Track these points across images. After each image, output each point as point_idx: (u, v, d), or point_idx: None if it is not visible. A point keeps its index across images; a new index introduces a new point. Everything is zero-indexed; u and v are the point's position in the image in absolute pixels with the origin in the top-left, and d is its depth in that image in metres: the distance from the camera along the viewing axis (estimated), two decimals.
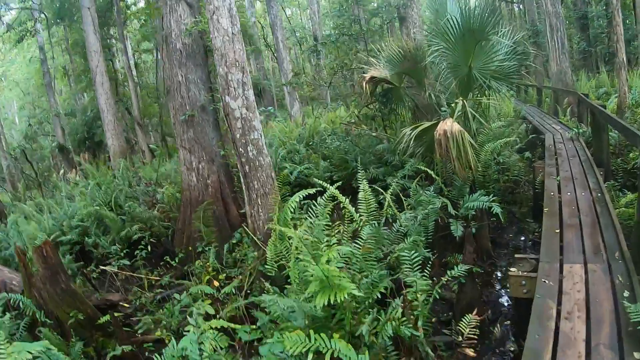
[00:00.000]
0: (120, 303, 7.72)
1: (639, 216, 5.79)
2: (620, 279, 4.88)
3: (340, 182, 7.93)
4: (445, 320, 6.90)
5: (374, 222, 7.04)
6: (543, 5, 19.80)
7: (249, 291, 7.43)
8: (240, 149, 7.72)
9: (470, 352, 5.08)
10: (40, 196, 17.68)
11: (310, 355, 3.98)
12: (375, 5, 20.18)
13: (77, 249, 11.15)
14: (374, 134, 12.73)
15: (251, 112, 7.70)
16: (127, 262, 9.42)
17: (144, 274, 9.09)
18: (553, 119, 16.31)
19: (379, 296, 5.44)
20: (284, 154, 14.50)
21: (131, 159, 19.02)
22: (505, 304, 7.27)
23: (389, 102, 11.34)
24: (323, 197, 7.30)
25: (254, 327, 5.61)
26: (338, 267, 5.86)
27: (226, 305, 6.87)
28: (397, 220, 7.42)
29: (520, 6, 37.30)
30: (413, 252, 6.10)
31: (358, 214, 7.34)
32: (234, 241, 8.75)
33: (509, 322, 6.57)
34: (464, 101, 8.28)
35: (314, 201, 6.96)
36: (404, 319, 4.97)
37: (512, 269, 5.78)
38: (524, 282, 5.47)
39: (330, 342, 4.02)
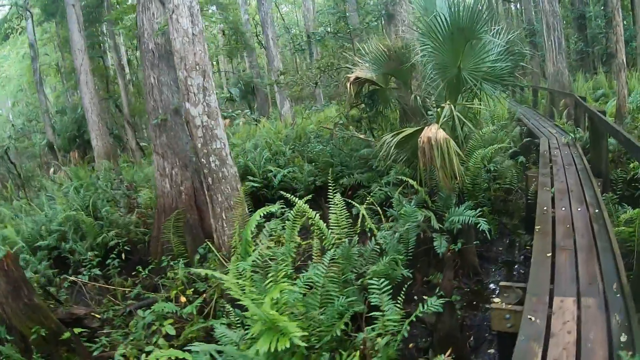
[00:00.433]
0: (91, 315, 7.27)
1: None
2: (617, 318, 4.11)
3: (314, 190, 7.18)
4: (423, 347, 6.19)
5: (346, 239, 6.37)
6: (540, 4, 18.98)
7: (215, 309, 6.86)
8: (203, 160, 7.01)
9: None
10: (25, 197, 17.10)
11: None
12: (371, 3, 19.30)
13: (56, 254, 10.62)
14: (359, 136, 11.98)
15: (213, 120, 6.96)
16: (99, 272, 8.75)
17: (118, 284, 8.58)
18: (549, 121, 15.53)
19: (346, 326, 4.90)
20: (269, 155, 13.80)
21: (116, 160, 18.29)
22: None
23: (375, 104, 10.57)
24: (291, 212, 6.62)
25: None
26: (301, 293, 5.18)
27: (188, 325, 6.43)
28: (374, 237, 6.67)
29: (517, 5, 36.49)
30: (387, 274, 5.46)
31: (329, 230, 6.62)
32: (198, 257, 8.03)
33: (492, 350, 5.90)
34: (451, 105, 7.48)
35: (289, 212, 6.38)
36: None
37: (495, 300, 5.08)
38: (507, 315, 4.74)
39: None
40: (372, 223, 7.32)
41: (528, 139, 13.28)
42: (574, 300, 4.52)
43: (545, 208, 6.90)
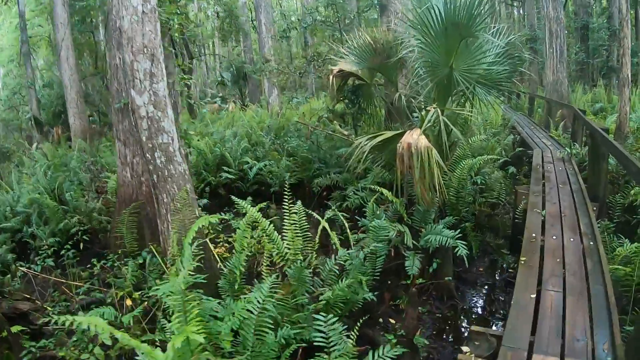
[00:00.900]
0: (42, 308, 6.56)
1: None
2: None
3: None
4: None
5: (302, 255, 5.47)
6: (544, 9, 17.92)
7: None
8: (147, 155, 6.01)
9: None
10: None
11: None
12: None
13: (19, 237, 9.72)
14: (342, 133, 11.01)
15: (160, 111, 5.93)
16: (52, 263, 7.86)
17: (74, 275, 7.68)
18: (544, 132, 14.56)
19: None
20: (247, 146, 12.83)
21: (93, 141, 17.21)
22: None
23: (358, 100, 9.58)
24: (243, 221, 5.68)
25: None
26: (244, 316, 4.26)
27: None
28: (334, 256, 5.75)
29: (521, 10, 35.45)
30: (345, 299, 4.59)
31: (284, 244, 5.69)
32: (140, 261, 7.10)
33: None
34: (438, 110, 6.52)
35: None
36: None
37: (463, 349, 4.14)
38: None
39: None
40: (343, 234, 6.43)
41: (521, 148, 12.31)
42: None
43: (534, 235, 5.95)
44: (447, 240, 5.94)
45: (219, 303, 4.90)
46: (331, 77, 8.98)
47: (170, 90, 9.40)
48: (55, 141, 19.13)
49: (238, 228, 5.82)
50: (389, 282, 7.08)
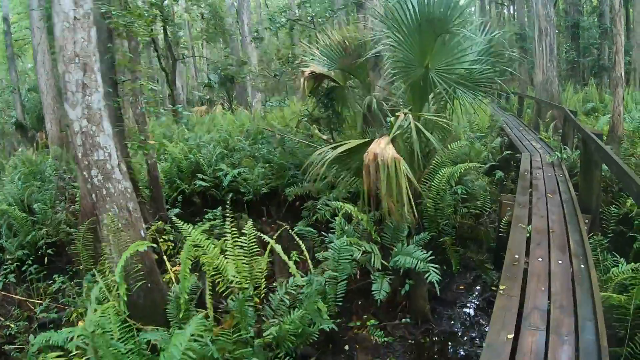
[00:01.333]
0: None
1: None
2: None
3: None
4: None
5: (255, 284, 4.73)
6: (534, 7, 17.07)
7: None
8: (84, 173, 5.27)
9: None
10: None
11: None
12: None
13: None
14: (316, 138, 10.19)
15: (94, 125, 5.16)
16: (13, 279, 7.34)
17: (40, 289, 7.29)
18: (533, 133, 13.71)
19: None
20: (224, 152, 12.02)
21: (69, 147, 16.34)
22: None
23: (332, 104, 8.76)
24: (186, 244, 4.89)
25: None
26: None
27: None
28: (284, 285, 4.98)
29: (511, 9, 34.63)
30: (296, 333, 4.24)
31: (232, 271, 4.89)
32: (85, 286, 6.41)
33: None
34: (410, 115, 5.69)
35: None
36: None
37: None
38: None
39: None
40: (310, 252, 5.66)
41: (509, 152, 11.47)
42: None
43: (516, 256, 5.12)
44: (418, 263, 5.14)
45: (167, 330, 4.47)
46: (302, 79, 8.21)
47: (136, 97, 8.67)
48: (41, 146, 18.38)
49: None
50: (359, 302, 6.30)
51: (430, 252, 5.41)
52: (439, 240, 6.91)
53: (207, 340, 4.00)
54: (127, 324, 4.42)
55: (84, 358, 3.89)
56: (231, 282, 4.97)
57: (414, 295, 5.97)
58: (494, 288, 6.73)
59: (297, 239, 5.49)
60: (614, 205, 7.14)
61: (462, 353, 5.72)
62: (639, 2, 20.70)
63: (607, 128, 10.68)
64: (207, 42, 23.03)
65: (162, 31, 19.67)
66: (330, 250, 5.49)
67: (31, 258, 7.81)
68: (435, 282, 5.03)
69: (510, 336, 3.74)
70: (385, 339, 5.54)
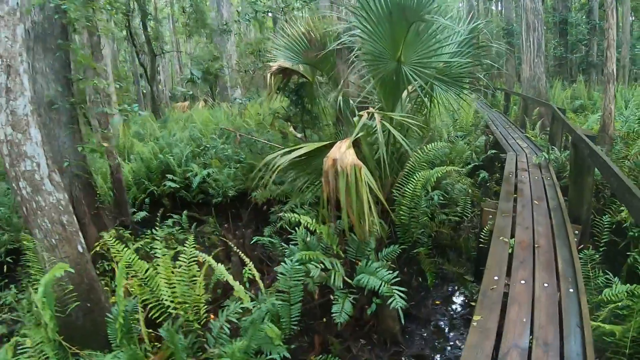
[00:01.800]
0: None
1: None
2: None
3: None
4: None
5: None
6: (521, 0, 16.24)
7: None
8: (13, 184, 4.47)
9: None
10: None
11: None
12: None
13: None
14: (292, 136, 9.37)
15: (20, 133, 4.39)
16: None
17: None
18: (519, 131, 12.93)
19: None
20: (197, 150, 11.19)
21: None
22: None
23: (301, 100, 7.95)
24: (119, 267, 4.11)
25: None
26: None
27: None
28: (223, 310, 4.21)
29: (499, 5, 33.85)
30: None
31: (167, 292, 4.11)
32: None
33: None
34: (376, 114, 4.90)
35: None
36: None
37: None
38: None
39: None
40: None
41: (494, 151, 10.69)
42: None
43: (495, 277, 4.35)
44: (380, 287, 4.37)
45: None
46: (268, 74, 7.42)
47: (98, 96, 7.88)
48: None
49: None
50: (324, 319, 5.52)
51: (397, 272, 4.61)
52: (413, 251, 6.14)
53: None
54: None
55: None
56: (168, 308, 4.21)
57: (382, 315, 5.20)
58: (473, 304, 6.00)
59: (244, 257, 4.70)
60: (606, 214, 6.37)
61: None
62: None
63: (597, 127, 9.91)
64: (187, 37, 22.00)
65: (141, 25, 18.80)
66: (281, 267, 4.70)
67: None
68: (400, 308, 4.25)
69: None
70: None
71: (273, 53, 7.30)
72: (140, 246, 5.22)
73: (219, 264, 4.48)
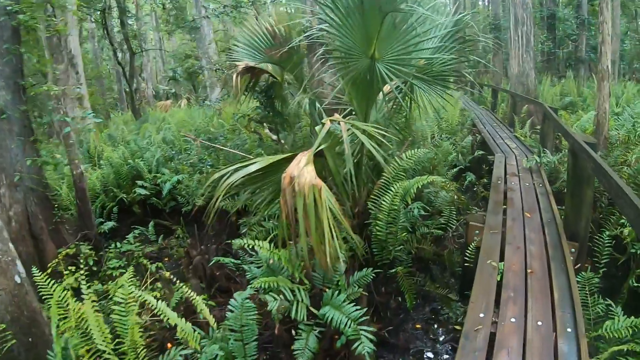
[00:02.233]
0: None
1: None
2: None
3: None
4: None
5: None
6: None
7: None
8: None
9: None
10: None
11: None
12: None
13: None
14: (267, 138, 8.58)
15: None
16: None
17: None
18: (508, 130, 12.19)
19: None
20: (172, 154, 10.42)
21: None
22: None
23: (271, 102, 7.18)
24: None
25: None
26: None
27: None
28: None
29: (486, 0, 33.09)
30: None
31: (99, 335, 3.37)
32: None
33: None
34: (342, 122, 4.12)
35: None
36: None
37: None
38: None
39: None
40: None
41: (481, 152, 9.94)
42: None
43: (481, 315, 3.59)
44: (347, 322, 3.63)
45: None
46: (235, 74, 6.65)
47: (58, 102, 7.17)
48: None
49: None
50: (290, 347, 4.77)
51: (365, 310, 3.85)
52: (390, 271, 5.40)
53: None
54: None
55: None
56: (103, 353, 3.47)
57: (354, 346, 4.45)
58: (458, 327, 5.29)
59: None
60: (604, 228, 5.64)
61: None
62: None
63: (591, 128, 9.16)
64: (168, 34, 21.13)
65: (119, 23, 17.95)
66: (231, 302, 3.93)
67: None
68: (366, 354, 3.51)
69: None
70: None
71: (235, 51, 6.53)
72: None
73: (162, 301, 3.73)
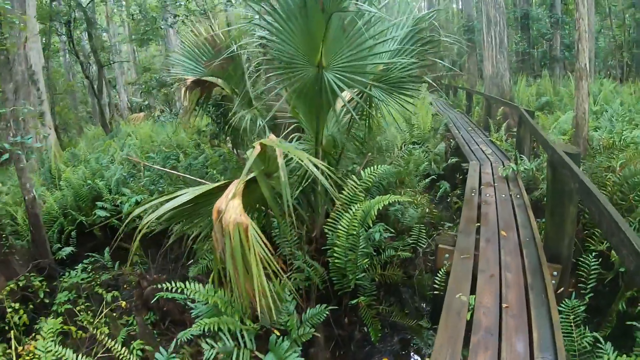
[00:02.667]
0: None
1: None
2: None
3: None
4: None
5: None
6: None
7: None
8: None
9: None
10: None
11: None
12: None
13: None
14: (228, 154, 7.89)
15: None
16: None
17: None
18: (483, 135, 11.59)
19: None
20: (132, 171, 9.68)
21: None
22: None
23: (223, 118, 6.50)
24: None
25: None
26: None
27: None
28: None
29: (460, 4, 32.61)
30: None
31: None
32: None
33: None
34: (276, 146, 3.45)
35: None
36: None
37: None
38: None
39: None
40: None
41: (455, 159, 9.29)
42: None
43: None
44: None
45: None
46: (184, 89, 6.02)
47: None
48: None
49: None
50: None
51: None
52: (352, 302, 4.74)
53: None
54: None
55: None
56: None
57: None
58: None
59: None
60: (590, 242, 5.01)
61: None
62: None
63: (571, 130, 8.49)
64: (140, 46, 20.29)
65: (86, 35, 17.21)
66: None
67: None
68: None
69: None
70: None
71: (174, 65, 5.86)
72: None
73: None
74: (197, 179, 5.49)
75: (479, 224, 5.27)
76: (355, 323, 5.16)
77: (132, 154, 10.70)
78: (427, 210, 6.75)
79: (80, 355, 3.38)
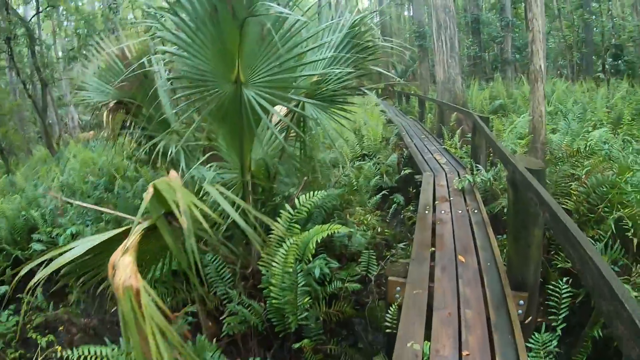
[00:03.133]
0: None
1: None
2: None
3: None
4: None
5: None
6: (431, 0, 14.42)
7: None
8: None
9: None
10: None
11: None
12: None
13: None
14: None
15: None
16: None
17: None
18: (437, 143, 11.07)
19: None
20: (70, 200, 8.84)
21: None
22: None
23: (149, 140, 5.77)
24: None
25: None
26: None
27: None
28: None
29: (411, 11, 32.38)
30: None
31: None
32: None
33: None
34: (177, 178, 2.77)
35: None
36: None
37: None
38: None
39: None
40: None
41: (408, 170, 8.68)
42: None
43: None
44: None
45: None
46: (106, 111, 5.35)
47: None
48: None
49: None
50: None
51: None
52: (295, 346, 4.07)
53: None
54: None
55: None
56: None
57: None
58: None
59: None
60: (557, 260, 4.45)
61: None
62: None
63: (528, 136, 7.98)
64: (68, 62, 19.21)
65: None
66: None
67: None
68: None
69: None
70: None
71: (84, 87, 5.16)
72: None
73: None
74: (121, 214, 4.75)
75: (433, 249, 4.66)
76: None
77: (70, 180, 9.80)
78: (378, 229, 6.16)
79: None
